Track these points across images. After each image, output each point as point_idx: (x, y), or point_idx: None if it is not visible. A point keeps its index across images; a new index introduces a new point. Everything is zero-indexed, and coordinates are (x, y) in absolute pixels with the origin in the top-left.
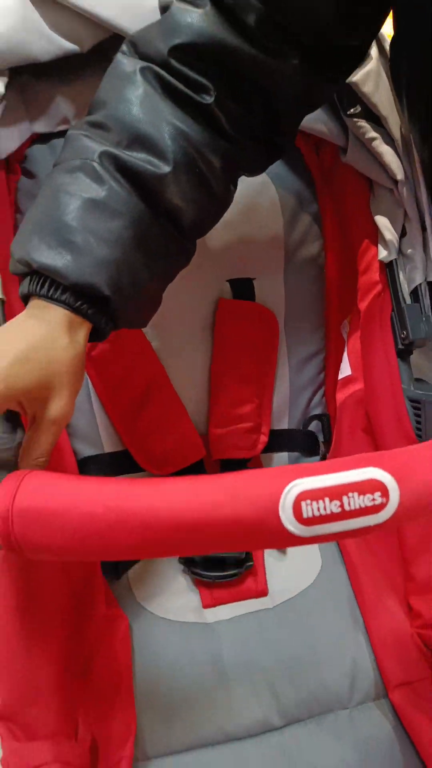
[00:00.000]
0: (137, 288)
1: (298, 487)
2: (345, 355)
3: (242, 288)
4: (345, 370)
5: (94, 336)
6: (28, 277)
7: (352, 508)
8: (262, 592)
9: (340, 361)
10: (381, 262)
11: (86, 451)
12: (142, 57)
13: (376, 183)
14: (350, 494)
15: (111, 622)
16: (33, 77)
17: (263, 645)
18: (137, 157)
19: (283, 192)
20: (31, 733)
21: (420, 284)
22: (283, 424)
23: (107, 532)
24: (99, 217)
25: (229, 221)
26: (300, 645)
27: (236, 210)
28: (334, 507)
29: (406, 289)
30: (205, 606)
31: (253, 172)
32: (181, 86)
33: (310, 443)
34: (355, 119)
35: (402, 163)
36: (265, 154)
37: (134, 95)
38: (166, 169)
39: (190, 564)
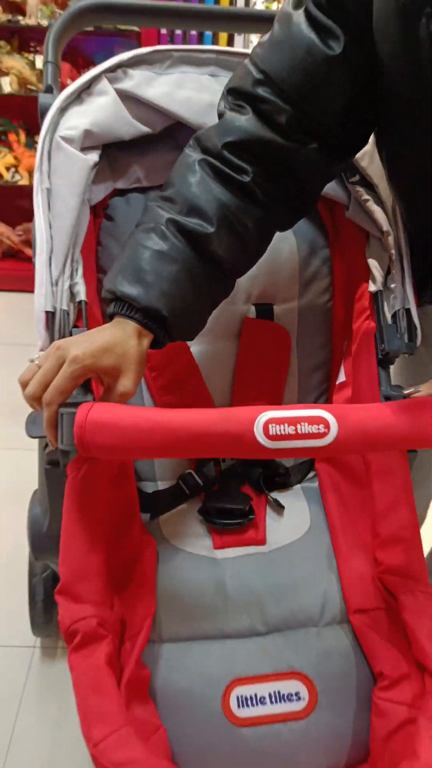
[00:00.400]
0: (188, 313)
1: (267, 415)
2: (342, 365)
3: (264, 311)
4: (341, 377)
5: (155, 345)
6: (113, 302)
7: (303, 432)
8: (261, 541)
9: None
10: (370, 292)
11: None
12: (203, 150)
13: (370, 233)
14: (302, 423)
15: (143, 542)
16: (117, 150)
17: (256, 575)
18: (191, 222)
19: (300, 240)
20: (79, 600)
21: (398, 310)
22: None
23: (146, 435)
24: (163, 263)
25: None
26: (285, 578)
27: (268, 269)
28: (290, 430)
29: (387, 313)
30: (216, 547)
31: (282, 229)
32: (227, 170)
33: None
34: (355, 185)
35: (388, 219)
36: (291, 216)
37: (193, 180)
38: (210, 230)
39: (206, 514)
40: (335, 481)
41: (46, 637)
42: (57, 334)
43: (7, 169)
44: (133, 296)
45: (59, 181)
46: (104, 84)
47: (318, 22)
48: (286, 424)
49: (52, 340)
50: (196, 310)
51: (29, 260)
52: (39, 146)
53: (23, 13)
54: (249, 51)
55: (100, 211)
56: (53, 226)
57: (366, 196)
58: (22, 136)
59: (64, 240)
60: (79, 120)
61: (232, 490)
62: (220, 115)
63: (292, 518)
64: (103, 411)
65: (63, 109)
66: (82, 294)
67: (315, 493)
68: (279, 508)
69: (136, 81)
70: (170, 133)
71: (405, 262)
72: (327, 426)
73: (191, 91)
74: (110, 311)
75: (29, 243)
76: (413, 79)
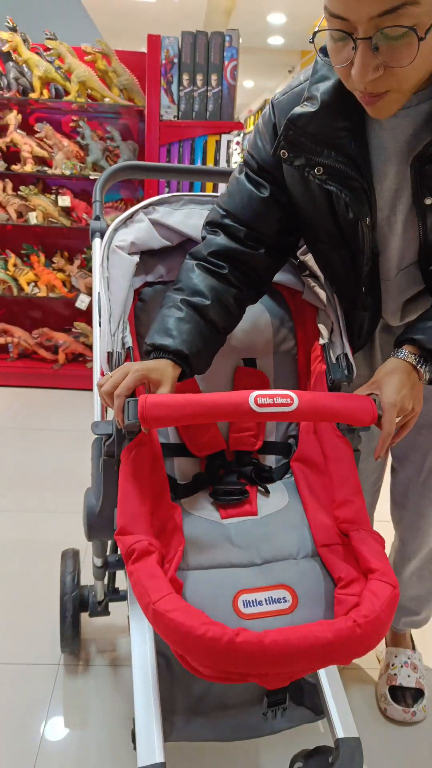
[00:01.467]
0: (200, 354)
1: (256, 392)
2: None
3: (249, 362)
4: None
5: (182, 376)
6: (152, 352)
7: (278, 402)
8: (254, 512)
9: None
10: (320, 345)
11: (162, 439)
12: (196, 258)
13: (318, 307)
14: (277, 398)
15: (173, 506)
16: (149, 255)
17: (252, 530)
18: (195, 299)
19: (272, 316)
20: (132, 534)
21: (339, 354)
22: (272, 438)
23: (181, 407)
24: (181, 324)
25: (244, 330)
26: (272, 530)
27: (247, 325)
28: (269, 400)
29: (332, 357)
30: (222, 517)
31: (252, 302)
32: (212, 267)
33: (286, 449)
34: (306, 277)
35: (328, 297)
36: (256, 294)
37: (193, 275)
38: (207, 302)
39: (214, 496)
40: (305, 473)
41: (70, 654)
42: (113, 365)
43: (28, 283)
44: (166, 344)
45: (115, 272)
46: (141, 215)
47: (252, 179)
48: (267, 398)
49: (110, 369)
50: (204, 353)
51: (42, 360)
52: (100, 252)
53: (49, 166)
54: None
55: (135, 296)
56: (111, 299)
57: (313, 283)
58: (42, 258)
59: (118, 308)
60: (127, 236)
61: (232, 480)
62: (203, 238)
63: (275, 498)
64: (154, 397)
65: (116, 230)
66: (129, 342)
67: (292, 485)
68: (266, 492)
69: (161, 213)
70: (182, 245)
71: (341, 324)
72: (292, 400)
73: (197, 219)
74: (151, 358)
75: (43, 345)
76: (313, 211)
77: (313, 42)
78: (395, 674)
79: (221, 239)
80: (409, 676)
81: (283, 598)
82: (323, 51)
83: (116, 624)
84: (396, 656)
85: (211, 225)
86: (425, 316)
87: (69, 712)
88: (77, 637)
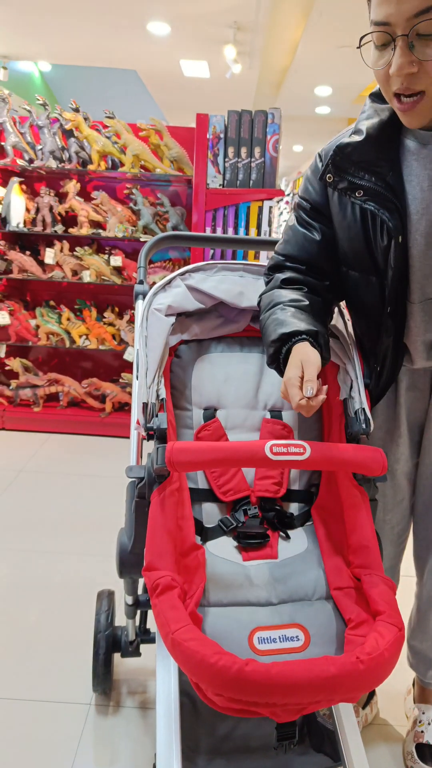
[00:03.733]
0: (323, 332)
1: (272, 442)
2: None
3: (276, 415)
4: None
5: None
6: (285, 343)
7: (291, 452)
8: (274, 556)
9: None
10: (340, 400)
11: (191, 485)
12: (269, 289)
13: (339, 365)
14: (291, 447)
15: (198, 547)
16: (185, 317)
17: (271, 572)
18: (294, 304)
19: None
20: (158, 570)
21: (357, 409)
22: (296, 486)
23: (207, 454)
24: (298, 314)
25: (272, 384)
26: (289, 573)
27: (274, 379)
28: (283, 449)
29: (351, 411)
30: (244, 560)
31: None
32: (290, 286)
33: (308, 497)
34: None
35: (348, 356)
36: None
37: (277, 294)
38: (306, 302)
39: (238, 538)
40: (324, 520)
41: (102, 694)
42: (148, 416)
43: (80, 336)
44: (296, 329)
45: (153, 331)
46: (178, 281)
47: (304, 222)
48: (282, 448)
49: (145, 419)
50: (326, 336)
51: (90, 409)
52: (140, 313)
53: (104, 229)
54: (262, 263)
55: (172, 352)
56: (148, 356)
57: (333, 343)
58: (94, 313)
59: (154, 364)
60: (165, 300)
61: (255, 524)
62: (266, 283)
63: (295, 543)
64: (180, 444)
65: (155, 294)
66: (162, 394)
67: (311, 531)
68: (287, 537)
69: (196, 279)
70: (216, 308)
71: (359, 381)
72: (305, 450)
73: (229, 285)
74: (283, 354)
75: (91, 395)
76: (349, 236)
77: (360, 47)
78: (422, 731)
79: (287, 273)
80: None
81: (297, 636)
82: (371, 96)
83: (148, 666)
84: (424, 713)
85: (272, 269)
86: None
87: (98, 752)
88: (109, 677)
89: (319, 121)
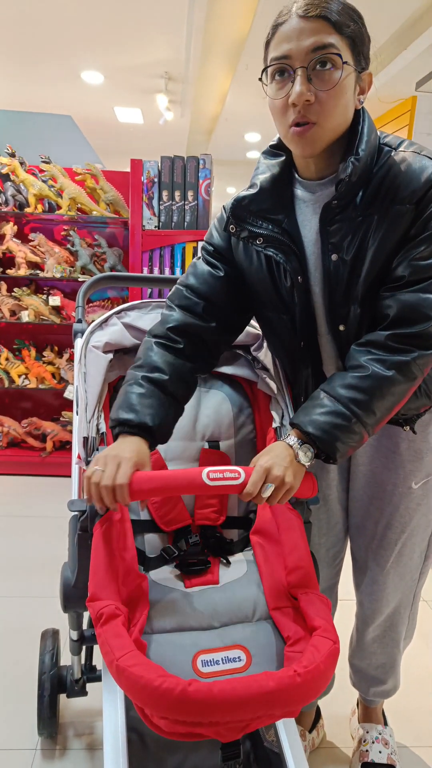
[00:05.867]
0: (162, 425)
1: (209, 469)
2: None
3: (213, 445)
4: None
5: (151, 447)
6: (118, 426)
7: (227, 477)
8: (216, 581)
9: None
10: (274, 428)
11: (133, 516)
12: (154, 335)
13: (271, 396)
14: (226, 473)
15: (141, 576)
16: (122, 352)
17: (212, 597)
18: (154, 375)
19: (233, 403)
20: (102, 600)
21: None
22: (234, 513)
23: (147, 483)
24: (143, 399)
25: (208, 416)
26: (230, 597)
27: (211, 411)
28: (219, 475)
29: (284, 438)
30: (186, 586)
31: (205, 373)
32: (169, 343)
33: (247, 523)
34: (259, 370)
35: (278, 387)
36: (207, 368)
37: (152, 352)
38: (166, 377)
39: (180, 567)
40: (261, 543)
41: (47, 737)
42: (89, 449)
43: (19, 376)
44: (129, 419)
45: (91, 367)
46: (114, 319)
47: (209, 261)
48: (219, 473)
49: (86, 453)
50: (166, 423)
51: (31, 449)
52: (78, 350)
53: (42, 269)
54: None
55: (111, 387)
56: (87, 391)
57: (265, 375)
58: (33, 352)
59: (93, 399)
60: (102, 337)
61: (196, 552)
62: (162, 315)
63: (235, 568)
64: (141, 474)
65: (92, 332)
66: (102, 428)
67: (251, 555)
68: (227, 563)
69: (132, 317)
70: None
71: (289, 410)
72: (239, 474)
73: None
74: (116, 432)
75: (31, 434)
76: (257, 279)
77: (261, 80)
78: (367, 750)
79: (177, 314)
80: (380, 752)
81: (239, 657)
82: (264, 153)
83: (94, 707)
84: (368, 732)
85: (172, 301)
86: (311, 397)
87: None
88: (55, 719)
89: (250, 164)
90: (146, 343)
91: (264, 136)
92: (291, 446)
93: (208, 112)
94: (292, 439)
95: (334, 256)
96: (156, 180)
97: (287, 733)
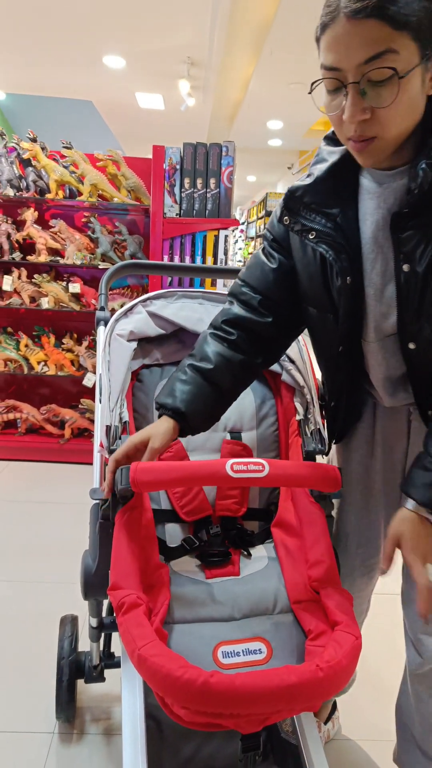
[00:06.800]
0: (198, 413)
1: (233, 461)
2: None
3: (235, 436)
4: None
5: (182, 433)
6: (159, 408)
7: (251, 470)
8: (236, 573)
9: None
10: (297, 420)
11: (154, 506)
12: (212, 327)
13: (295, 387)
14: (250, 465)
15: (162, 566)
16: (146, 342)
17: (233, 588)
18: (199, 364)
19: (256, 395)
20: (123, 589)
21: (313, 429)
22: (255, 505)
23: (169, 474)
24: (182, 386)
25: (231, 407)
26: (251, 589)
27: (237, 411)
28: (243, 467)
29: (307, 431)
30: (207, 577)
31: (262, 368)
32: (222, 334)
33: (268, 516)
34: (284, 362)
35: (304, 379)
36: (264, 364)
37: (204, 342)
38: (210, 366)
39: (201, 557)
40: (282, 537)
41: (65, 722)
42: (112, 438)
43: (38, 363)
44: (166, 402)
45: (115, 356)
46: (139, 308)
47: (267, 252)
48: (242, 466)
49: (108, 442)
50: (203, 413)
51: (49, 435)
52: (103, 338)
53: (62, 256)
54: (221, 291)
55: (134, 376)
56: (111, 380)
57: (290, 367)
58: (52, 339)
59: (117, 388)
60: (126, 326)
61: (217, 543)
62: (223, 308)
63: (256, 560)
64: (144, 464)
65: (117, 320)
66: (125, 417)
67: (272, 548)
68: (248, 555)
69: (157, 306)
70: (176, 333)
71: (314, 403)
72: (263, 467)
73: (188, 311)
74: (159, 415)
75: (50, 421)
76: (308, 275)
77: (311, 93)
78: None
79: (235, 308)
80: None
81: (259, 649)
82: (326, 139)
83: (111, 692)
84: None
85: (230, 295)
86: (418, 464)
87: None
88: (72, 704)
89: (272, 153)
90: (203, 334)
91: (286, 124)
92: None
93: (230, 98)
94: (423, 509)
95: (405, 267)
96: (178, 167)
97: (305, 725)
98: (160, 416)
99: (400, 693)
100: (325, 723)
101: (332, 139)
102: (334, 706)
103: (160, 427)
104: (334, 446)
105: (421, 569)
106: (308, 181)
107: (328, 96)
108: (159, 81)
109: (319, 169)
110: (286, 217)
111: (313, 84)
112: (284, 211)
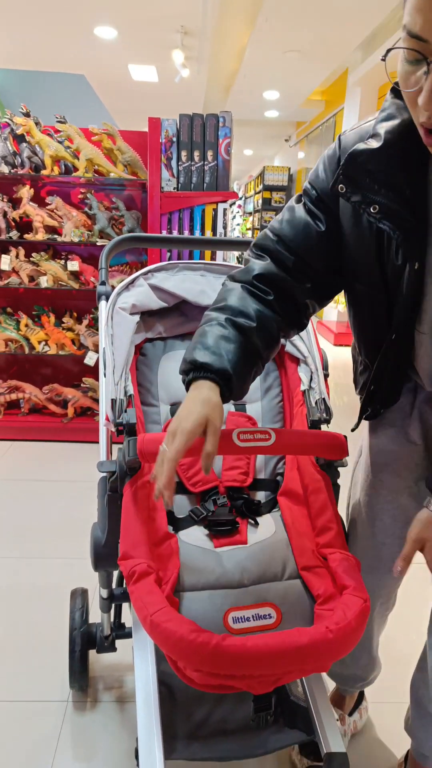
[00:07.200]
0: (241, 377)
1: (239, 430)
2: None
3: (240, 408)
4: None
5: (225, 400)
6: (193, 371)
7: (257, 438)
8: (244, 541)
9: None
10: (302, 391)
11: None
12: (238, 281)
13: (299, 358)
14: (256, 434)
15: (170, 536)
16: (148, 315)
17: (241, 556)
18: (240, 320)
19: None
20: (134, 558)
21: (318, 399)
22: (261, 475)
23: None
24: (226, 343)
25: None
26: (259, 556)
27: None
28: (250, 436)
29: (312, 401)
30: (215, 546)
31: (291, 335)
32: (257, 292)
33: (274, 485)
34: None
35: (308, 349)
36: (295, 330)
37: (238, 296)
38: (253, 324)
39: (208, 527)
40: (289, 505)
41: (78, 690)
42: (117, 412)
43: (39, 342)
44: (209, 363)
45: (118, 330)
46: (141, 281)
47: (310, 210)
48: (249, 435)
49: (114, 415)
50: (245, 377)
51: (52, 414)
52: (105, 313)
53: (60, 234)
54: (222, 263)
55: (137, 350)
56: (114, 354)
57: (294, 337)
58: (52, 318)
59: (121, 361)
60: (128, 299)
61: (224, 513)
62: (246, 261)
63: (263, 529)
64: (151, 435)
65: (119, 293)
66: (130, 390)
67: (278, 516)
68: (255, 524)
69: (159, 279)
70: (178, 306)
71: (318, 373)
72: (270, 436)
73: (191, 283)
74: (190, 378)
75: (53, 400)
76: (359, 249)
77: (384, 60)
78: None
79: (269, 264)
80: None
81: (269, 614)
82: (394, 91)
83: (123, 662)
84: None
85: (259, 248)
86: None
87: (77, 747)
88: (85, 673)
89: (268, 125)
90: (228, 286)
91: (283, 94)
92: None
93: (225, 68)
94: None
95: None
96: (174, 139)
97: (314, 686)
98: (193, 379)
99: (416, 670)
100: (350, 714)
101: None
102: (361, 696)
103: (212, 399)
104: (364, 422)
105: None
106: (374, 144)
107: (406, 66)
108: (152, 52)
109: (388, 129)
110: (341, 185)
111: (388, 51)
112: (341, 177)
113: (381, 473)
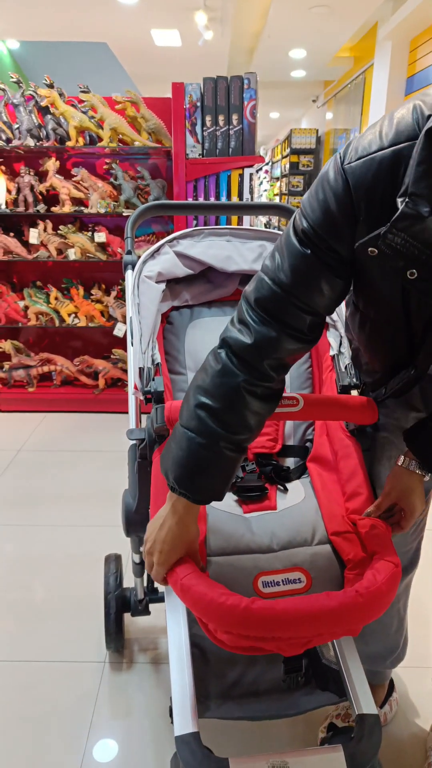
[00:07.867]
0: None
1: None
2: None
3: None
4: None
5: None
6: (193, 496)
7: (285, 404)
8: (273, 507)
9: None
10: (331, 356)
11: None
12: (246, 372)
13: (329, 323)
14: (285, 399)
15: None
16: (174, 283)
17: (271, 521)
18: (238, 437)
19: None
20: None
21: (347, 364)
22: (290, 441)
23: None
24: (222, 473)
25: None
26: (288, 521)
27: None
28: (285, 402)
29: (341, 366)
30: (244, 512)
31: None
32: (265, 390)
33: (303, 452)
34: None
35: (337, 314)
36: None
37: (239, 399)
38: (249, 436)
39: (238, 493)
40: (318, 471)
41: (114, 652)
42: (145, 380)
43: (69, 315)
44: (200, 500)
45: (144, 298)
46: (166, 248)
47: (327, 263)
48: (284, 401)
49: (142, 384)
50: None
51: (83, 386)
52: (132, 281)
53: (86, 206)
54: (249, 227)
55: (164, 318)
56: (141, 323)
57: None
58: (81, 291)
59: (148, 330)
60: (154, 267)
61: (253, 479)
62: (260, 336)
63: (293, 494)
64: (177, 403)
65: (144, 262)
66: (157, 359)
67: (308, 482)
68: (284, 489)
69: (184, 246)
70: (204, 273)
71: (346, 339)
72: (297, 401)
73: (216, 249)
74: (177, 493)
75: (84, 372)
76: (381, 294)
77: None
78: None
79: (283, 341)
80: None
81: (299, 579)
82: (430, 135)
83: (157, 625)
84: None
85: (273, 318)
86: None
87: (114, 706)
88: (121, 635)
89: (295, 86)
90: (231, 383)
91: (309, 52)
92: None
93: (249, 28)
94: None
95: None
96: (198, 104)
97: (346, 650)
98: (177, 494)
99: None
100: (381, 706)
101: None
102: (391, 687)
103: (191, 529)
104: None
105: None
106: (422, 209)
107: None
108: (174, 15)
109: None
110: (372, 249)
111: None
112: (380, 244)
113: (385, 431)
